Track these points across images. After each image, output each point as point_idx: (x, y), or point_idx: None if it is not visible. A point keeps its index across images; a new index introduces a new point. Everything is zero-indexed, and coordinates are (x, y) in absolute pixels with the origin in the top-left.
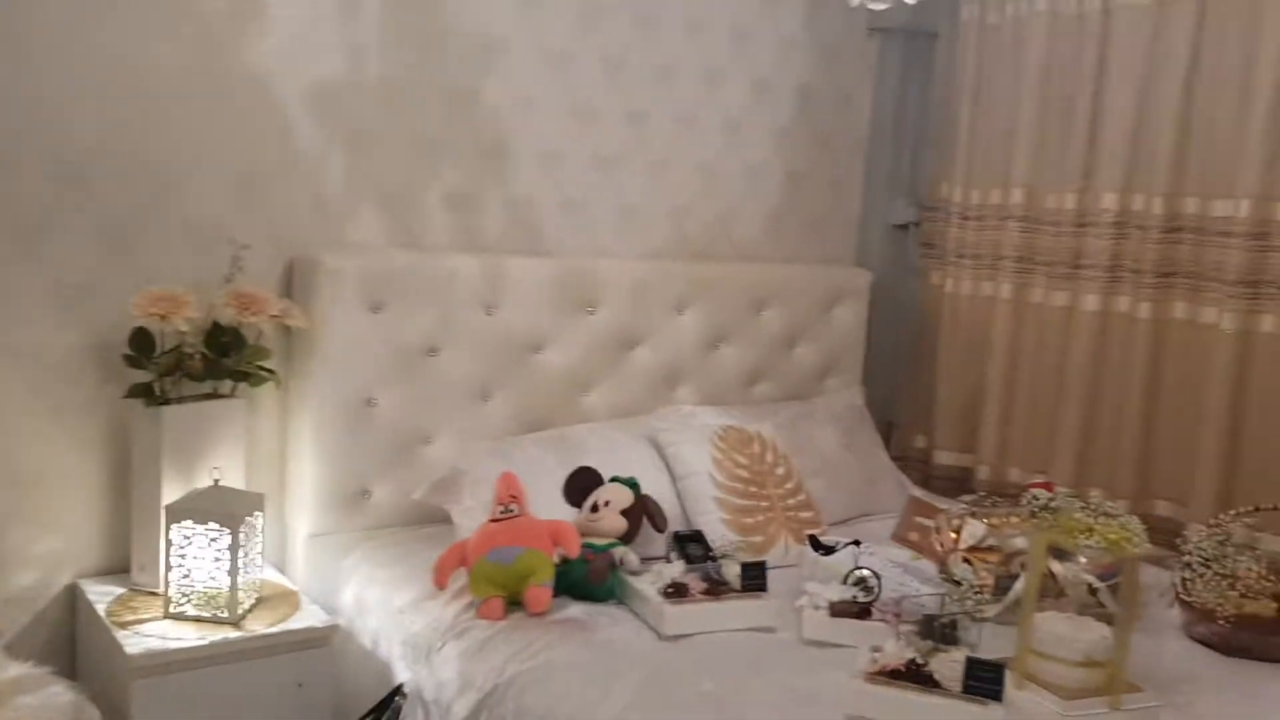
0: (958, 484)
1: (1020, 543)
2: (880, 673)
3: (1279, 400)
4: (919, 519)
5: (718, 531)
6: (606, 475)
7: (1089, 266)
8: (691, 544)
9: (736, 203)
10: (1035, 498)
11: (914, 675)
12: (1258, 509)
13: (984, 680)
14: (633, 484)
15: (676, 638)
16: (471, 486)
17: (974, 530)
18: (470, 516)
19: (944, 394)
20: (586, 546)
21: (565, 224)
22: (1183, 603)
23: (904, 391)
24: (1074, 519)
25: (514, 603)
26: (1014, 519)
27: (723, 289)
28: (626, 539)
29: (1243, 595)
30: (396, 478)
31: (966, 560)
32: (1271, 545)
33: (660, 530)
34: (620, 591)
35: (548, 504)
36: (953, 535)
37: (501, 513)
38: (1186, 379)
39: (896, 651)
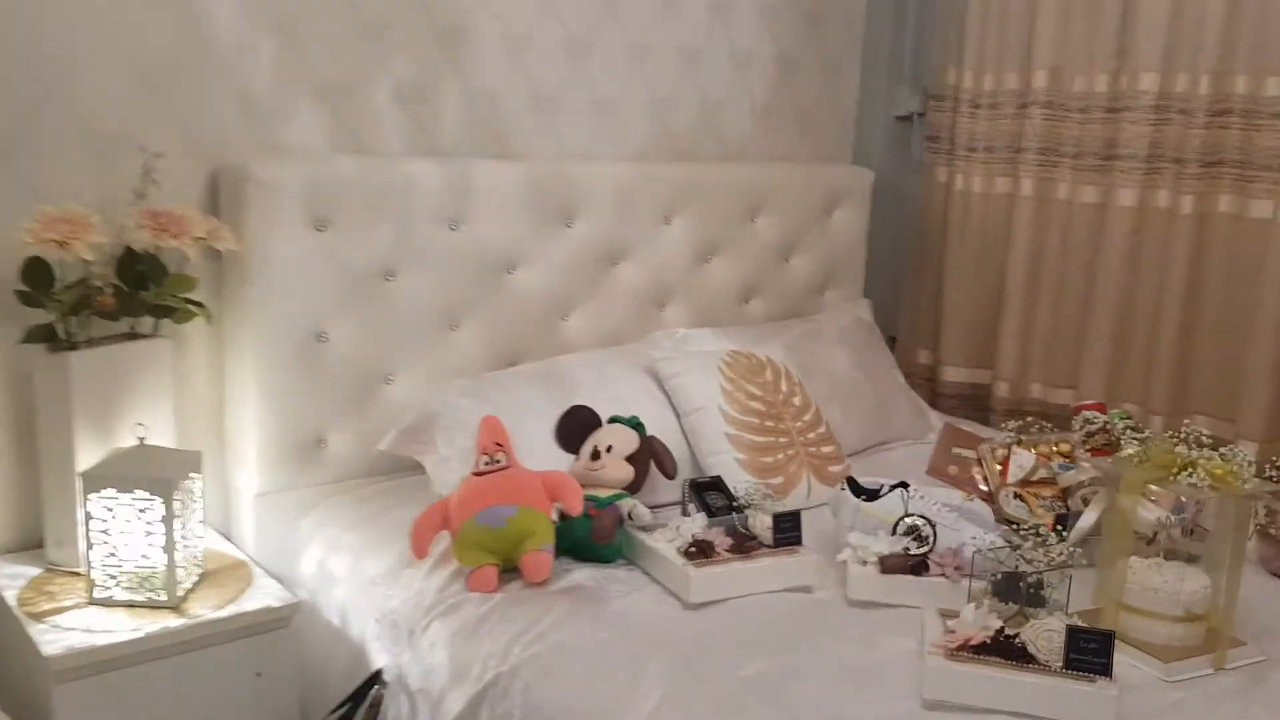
0: (968, 403)
1: (1076, 475)
2: (963, 647)
3: None
4: (958, 450)
5: (733, 473)
6: (604, 415)
7: (1124, 157)
8: (711, 493)
9: (723, 93)
10: (1089, 420)
11: (1003, 649)
12: None
13: (1089, 653)
14: (636, 424)
15: (703, 605)
16: (446, 433)
17: (1022, 461)
18: (446, 468)
19: (953, 304)
20: (589, 500)
21: (534, 121)
22: (1266, 536)
23: (907, 302)
24: (1170, 452)
25: (508, 569)
26: (1063, 446)
27: (712, 194)
28: (633, 488)
29: None
30: (355, 424)
31: (1018, 496)
32: None
33: (670, 476)
34: (630, 550)
35: (539, 451)
36: (998, 467)
37: (486, 464)
38: (1234, 280)
39: (978, 619)
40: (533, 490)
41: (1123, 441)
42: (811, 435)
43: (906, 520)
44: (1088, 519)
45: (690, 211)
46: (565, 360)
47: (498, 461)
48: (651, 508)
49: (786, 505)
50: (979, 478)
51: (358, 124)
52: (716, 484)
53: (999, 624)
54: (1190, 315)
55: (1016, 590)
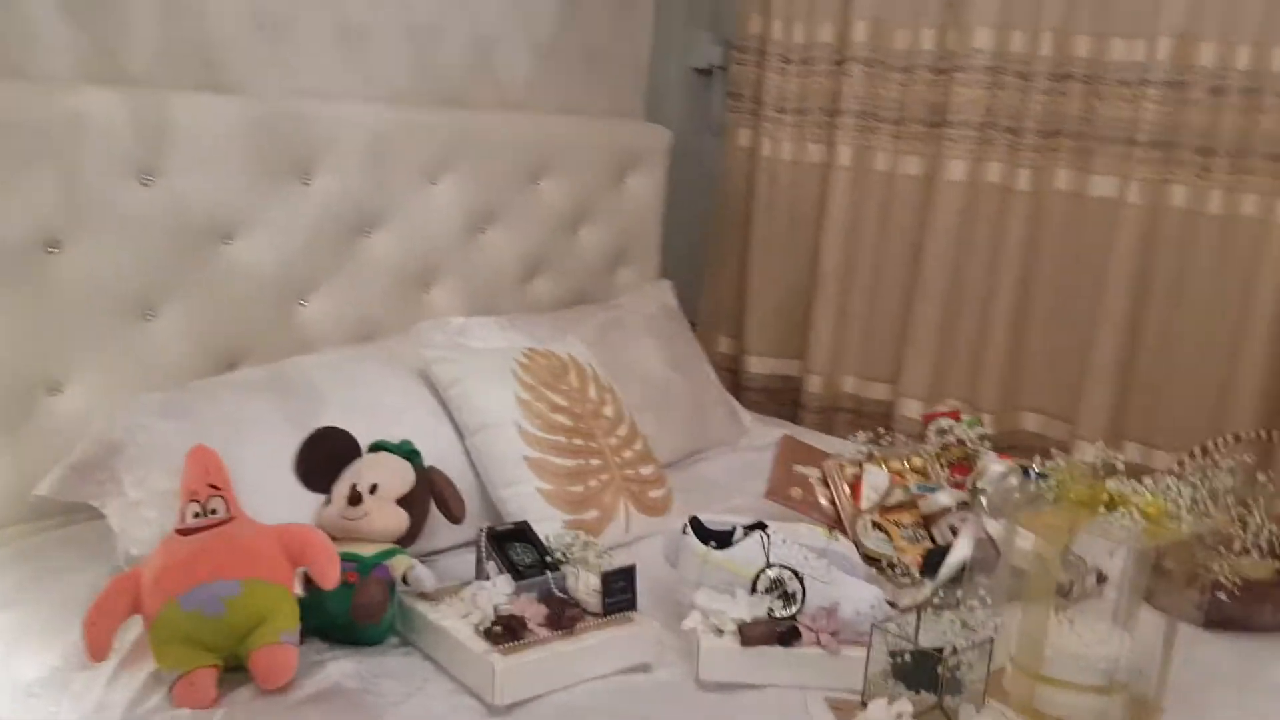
0: (774, 397)
1: (945, 499)
2: None
3: (1188, 290)
4: (799, 467)
5: (537, 509)
6: (364, 440)
7: (953, 124)
8: (515, 545)
9: (497, 25)
10: (944, 430)
11: None
12: (1239, 438)
13: None
14: (409, 452)
15: (515, 706)
16: (137, 469)
17: (876, 482)
18: (137, 519)
19: (758, 286)
20: (347, 562)
21: (257, 46)
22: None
23: (707, 283)
24: (1093, 485)
25: (234, 668)
26: (916, 461)
27: (488, 149)
28: (407, 540)
29: (1240, 553)
30: (5, 451)
31: (877, 526)
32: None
33: (457, 520)
34: (409, 627)
35: (272, 493)
36: (847, 489)
37: (197, 517)
38: (1073, 265)
39: (873, 716)
40: (264, 554)
41: (978, 455)
42: (628, 454)
43: (769, 573)
44: (959, 553)
45: (461, 170)
46: (306, 362)
47: (213, 512)
48: (426, 556)
49: (625, 564)
50: (824, 501)
51: (7, 38)
52: (522, 533)
53: None
54: (1024, 303)
55: (931, 675)
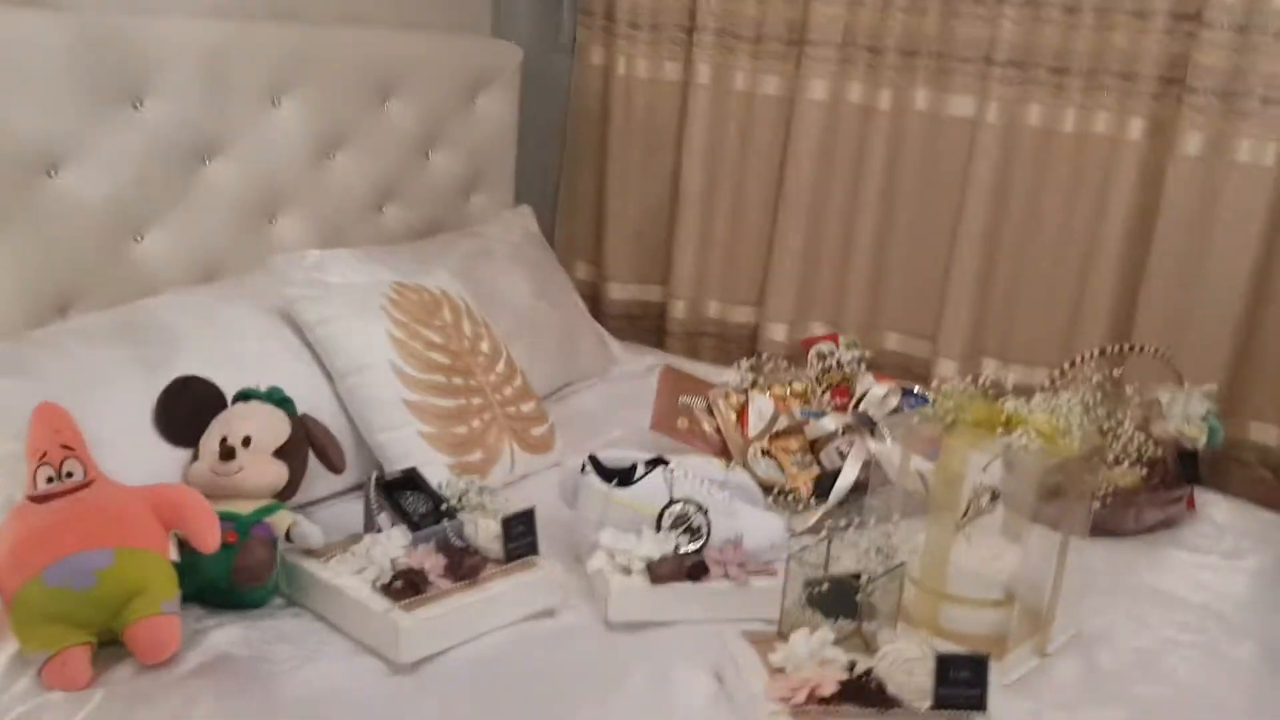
0: (636, 324)
1: (830, 424)
2: (811, 699)
3: (1043, 208)
4: (683, 398)
5: (420, 454)
6: (228, 388)
7: (814, 43)
8: (407, 494)
9: None
10: (824, 354)
11: (858, 693)
12: (1104, 352)
13: (960, 684)
14: (280, 400)
15: (421, 663)
16: None
17: (762, 408)
18: None
19: (617, 210)
20: (223, 520)
21: None
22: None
23: (563, 208)
24: (989, 406)
25: (109, 643)
26: (797, 387)
27: (333, 68)
28: (286, 494)
29: (1111, 464)
30: None
31: (767, 453)
32: (1146, 394)
33: (337, 470)
34: (296, 588)
35: (129, 452)
36: (733, 417)
37: (50, 482)
38: (933, 185)
39: (811, 649)
40: (135, 519)
41: (856, 378)
42: (508, 391)
43: (673, 509)
44: (848, 476)
45: (306, 91)
46: (155, 305)
47: (69, 476)
48: (301, 509)
49: (523, 507)
50: (710, 430)
51: None
52: (412, 480)
53: (842, 657)
54: (886, 224)
55: (848, 601)
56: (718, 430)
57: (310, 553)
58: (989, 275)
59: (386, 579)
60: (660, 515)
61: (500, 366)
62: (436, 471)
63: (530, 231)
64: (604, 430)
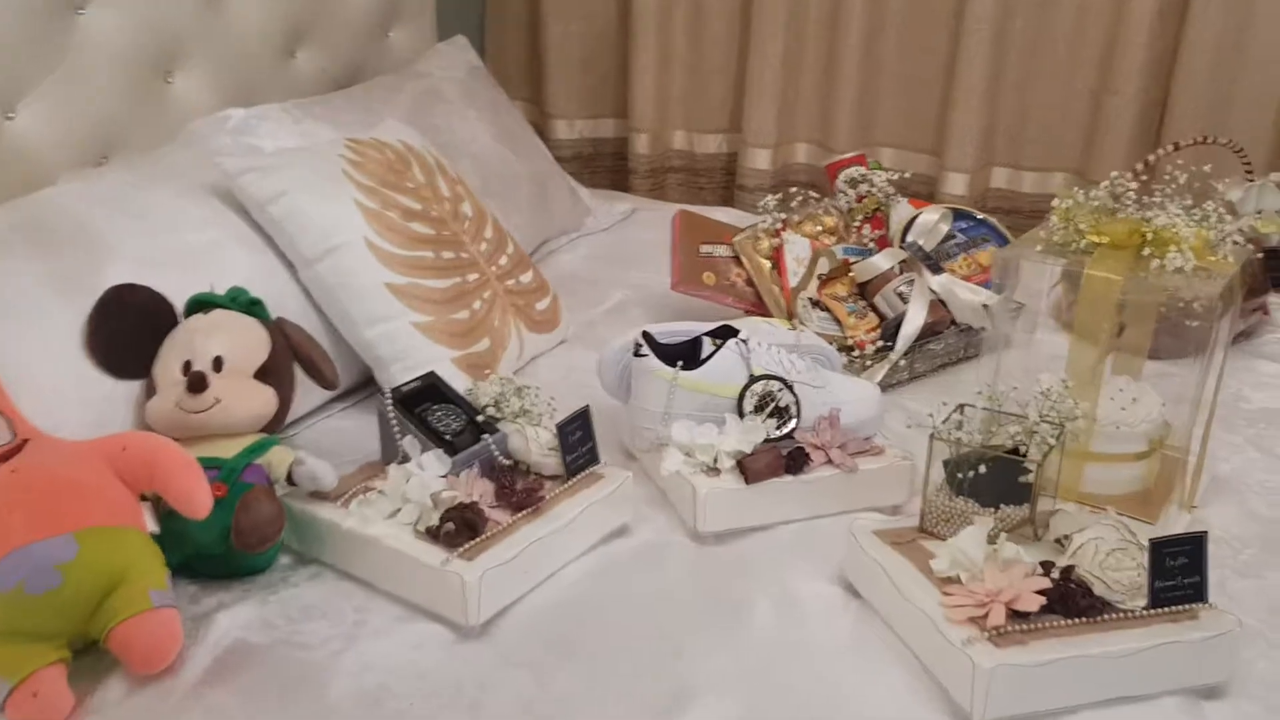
0: (589, 165)
1: (883, 261)
2: (1010, 614)
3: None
4: (706, 248)
5: (417, 351)
6: (175, 297)
7: None
8: (434, 408)
9: None
10: (856, 179)
11: (1065, 601)
12: (1178, 146)
13: (1178, 573)
14: (247, 303)
15: (492, 620)
16: None
17: (798, 252)
18: None
19: (559, 36)
20: (206, 470)
21: None
22: None
23: (490, 38)
24: (1129, 222)
25: (88, 649)
26: (828, 221)
27: None
28: (275, 424)
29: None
30: None
31: (817, 304)
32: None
33: (331, 385)
34: (312, 543)
35: (59, 395)
36: (767, 265)
37: None
38: None
39: (985, 551)
40: (95, 487)
41: (889, 202)
42: (503, 261)
43: (755, 388)
44: (914, 321)
45: None
46: (53, 199)
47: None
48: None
49: (577, 410)
50: (741, 283)
51: None
52: (435, 389)
53: (1023, 555)
54: (876, 26)
55: (1009, 484)
56: (749, 283)
57: (319, 496)
58: (999, 73)
59: (433, 520)
60: (741, 397)
61: (488, 231)
62: (442, 371)
63: (475, 66)
64: (602, 295)
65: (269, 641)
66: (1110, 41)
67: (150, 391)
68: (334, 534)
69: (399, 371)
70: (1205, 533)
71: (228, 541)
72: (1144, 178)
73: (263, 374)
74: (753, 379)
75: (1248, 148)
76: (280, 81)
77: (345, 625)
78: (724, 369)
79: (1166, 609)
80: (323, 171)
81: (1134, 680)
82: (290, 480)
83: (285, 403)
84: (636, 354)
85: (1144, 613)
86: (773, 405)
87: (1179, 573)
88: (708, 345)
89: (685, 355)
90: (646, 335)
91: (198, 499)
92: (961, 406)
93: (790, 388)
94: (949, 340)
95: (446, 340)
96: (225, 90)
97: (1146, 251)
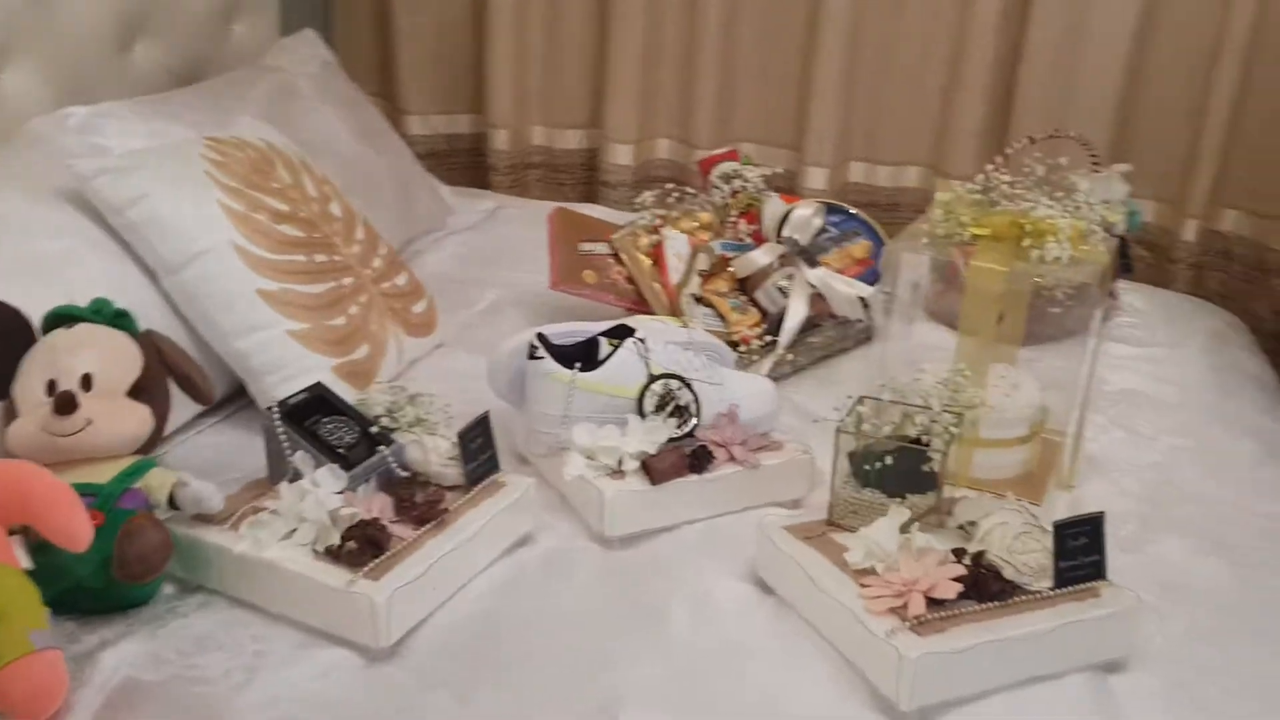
0: (444, 163)
1: (762, 257)
2: (929, 603)
3: None
4: (586, 246)
5: (294, 361)
6: (31, 311)
7: None
8: (324, 421)
9: None
10: (730, 175)
11: (978, 586)
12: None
13: (1079, 553)
14: (114, 315)
15: (401, 641)
16: None
17: (678, 248)
18: None
19: (409, 28)
20: (80, 495)
21: None
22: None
23: (339, 31)
24: (1008, 215)
25: None
26: (704, 217)
27: None
28: (151, 445)
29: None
30: None
31: (700, 300)
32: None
33: (207, 400)
34: (190, 568)
35: None
36: (647, 262)
37: None
38: None
39: (897, 541)
40: None
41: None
42: (377, 263)
43: (654, 387)
44: (797, 315)
45: None
46: None
47: None
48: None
49: (475, 417)
50: (623, 281)
51: None
52: (323, 401)
53: (935, 543)
54: (734, 22)
55: (915, 473)
56: (630, 280)
57: (204, 519)
58: (854, 70)
59: (332, 539)
60: (641, 397)
61: (359, 233)
62: (322, 380)
63: (327, 61)
64: (475, 296)
65: (163, 678)
66: (958, 41)
67: (10, 415)
68: (224, 559)
69: (275, 383)
70: (1103, 513)
71: (108, 573)
72: (1004, 170)
73: (136, 391)
74: (652, 378)
75: (1089, 141)
76: (117, 76)
77: (245, 656)
78: (623, 369)
79: (1071, 588)
80: (184, 173)
81: (1046, 659)
82: (172, 504)
83: (161, 421)
84: (532, 356)
85: (1051, 593)
86: (673, 404)
87: (1080, 552)
88: (605, 346)
89: (581, 356)
90: (541, 337)
91: (77, 530)
92: (862, 399)
93: (689, 386)
94: (827, 333)
95: (324, 348)
96: (58, 86)
97: (1026, 243)
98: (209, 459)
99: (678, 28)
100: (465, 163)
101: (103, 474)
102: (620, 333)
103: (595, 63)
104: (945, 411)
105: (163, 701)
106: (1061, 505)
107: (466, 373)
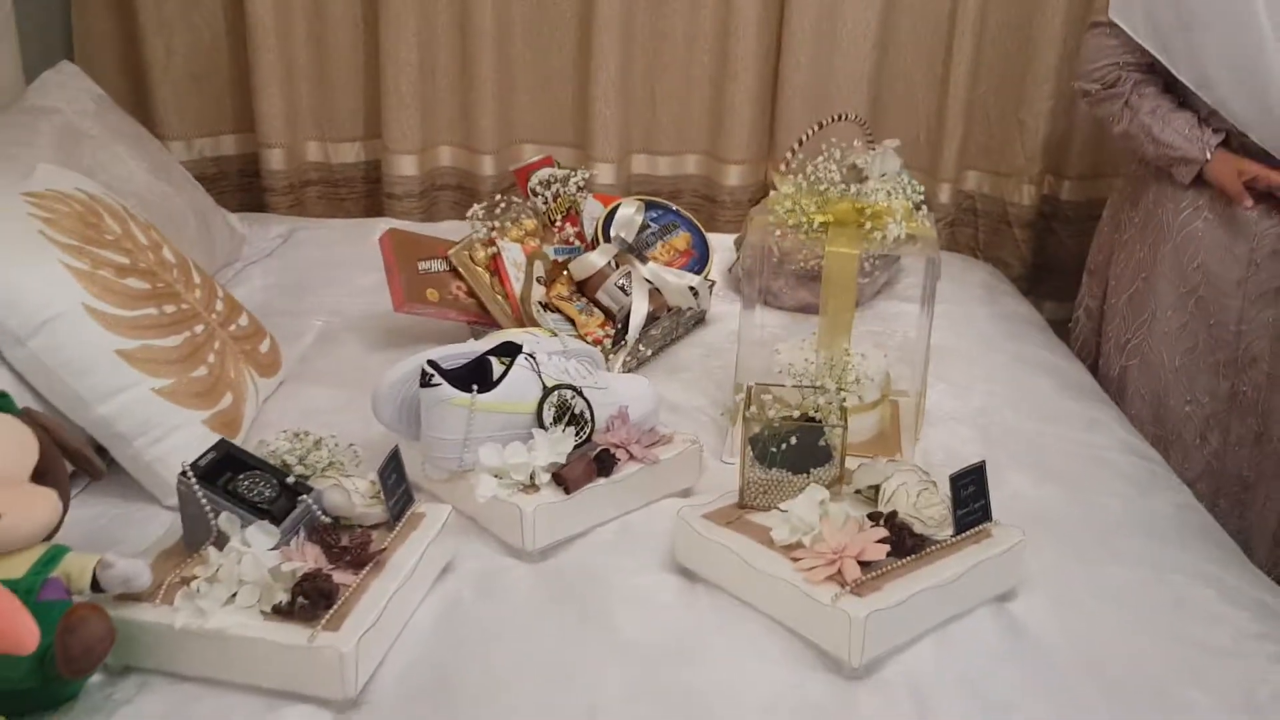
0: (215, 186)
1: (598, 258)
2: (863, 567)
3: None
4: (424, 264)
5: (162, 419)
6: None
7: None
8: (239, 478)
9: None
10: (547, 181)
11: (897, 545)
12: (822, 125)
13: (970, 500)
14: None
15: (362, 693)
16: None
17: (515, 257)
18: None
19: (159, 53)
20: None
21: None
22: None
23: (81, 62)
24: (848, 200)
25: None
26: (529, 224)
27: None
28: (54, 531)
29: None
30: None
31: (547, 306)
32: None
33: (99, 474)
34: (128, 652)
35: None
36: (487, 276)
37: None
38: None
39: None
40: None
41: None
42: (219, 307)
43: (550, 399)
44: (640, 311)
45: None
46: None
47: None
48: None
49: (389, 454)
50: (464, 296)
51: None
52: (230, 458)
53: (849, 511)
54: (506, 27)
55: (814, 448)
56: (470, 294)
57: (129, 597)
58: (628, 66)
59: (278, 597)
60: (540, 410)
61: (196, 276)
62: (194, 435)
63: (100, 95)
64: (301, 326)
65: None
66: (722, 33)
67: None
68: (163, 636)
69: (145, 445)
70: (984, 461)
71: (44, 671)
72: (800, 156)
73: (38, 476)
74: (547, 391)
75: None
76: None
77: None
78: (519, 386)
79: (969, 532)
80: (15, 234)
81: (961, 599)
82: (95, 587)
83: (66, 503)
84: (428, 384)
85: (954, 540)
86: (569, 414)
87: (971, 499)
88: (496, 365)
89: (471, 378)
90: (432, 363)
91: (22, 634)
92: (752, 386)
93: (581, 394)
94: (665, 323)
95: (191, 401)
96: None
97: (868, 225)
98: (80, 535)
99: (450, 34)
100: (237, 184)
101: (15, 568)
102: (507, 350)
103: (369, 74)
104: (841, 390)
105: None
106: (916, 457)
107: (321, 408)
